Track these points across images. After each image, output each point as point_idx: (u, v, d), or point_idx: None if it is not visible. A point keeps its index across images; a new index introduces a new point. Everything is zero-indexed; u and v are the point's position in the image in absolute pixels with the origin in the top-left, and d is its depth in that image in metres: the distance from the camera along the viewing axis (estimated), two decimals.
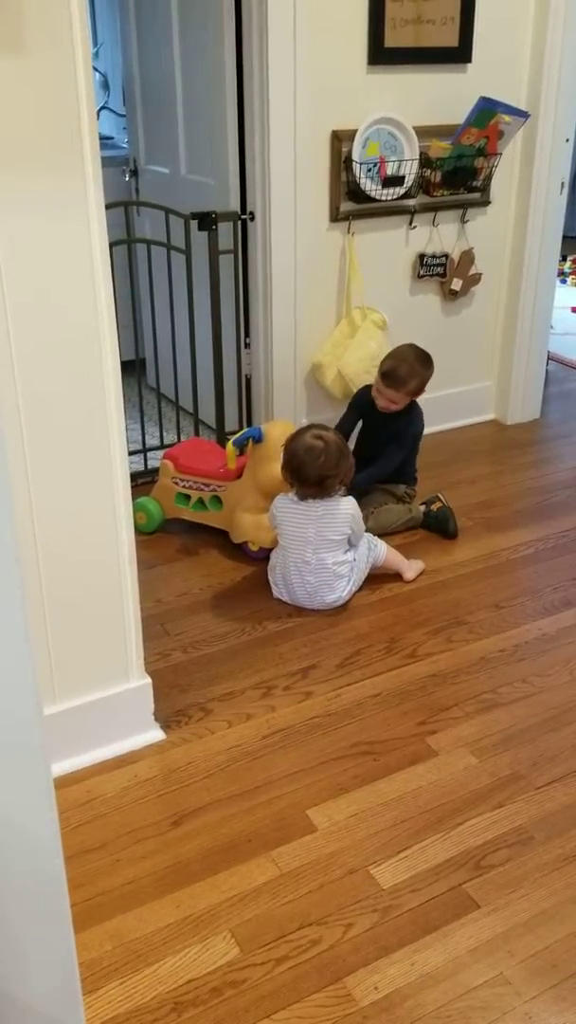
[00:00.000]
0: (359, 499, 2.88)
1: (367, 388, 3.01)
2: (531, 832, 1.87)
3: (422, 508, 3.01)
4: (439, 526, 2.97)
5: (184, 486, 2.93)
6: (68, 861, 1.80)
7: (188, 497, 2.94)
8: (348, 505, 2.56)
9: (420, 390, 2.91)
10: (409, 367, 2.86)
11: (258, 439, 2.70)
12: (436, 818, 1.90)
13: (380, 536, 2.77)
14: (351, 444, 2.90)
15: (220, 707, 2.22)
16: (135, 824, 1.89)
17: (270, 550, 2.74)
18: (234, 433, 3.18)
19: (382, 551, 2.69)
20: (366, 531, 2.75)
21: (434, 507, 3.01)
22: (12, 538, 0.85)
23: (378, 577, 2.72)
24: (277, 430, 2.69)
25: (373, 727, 2.16)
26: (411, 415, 2.98)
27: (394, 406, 2.90)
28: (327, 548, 2.55)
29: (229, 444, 2.77)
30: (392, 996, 1.55)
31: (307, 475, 2.49)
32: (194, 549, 2.91)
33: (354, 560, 2.60)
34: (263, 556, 2.78)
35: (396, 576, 2.73)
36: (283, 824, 1.89)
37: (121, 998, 1.56)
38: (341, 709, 2.21)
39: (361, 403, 3.04)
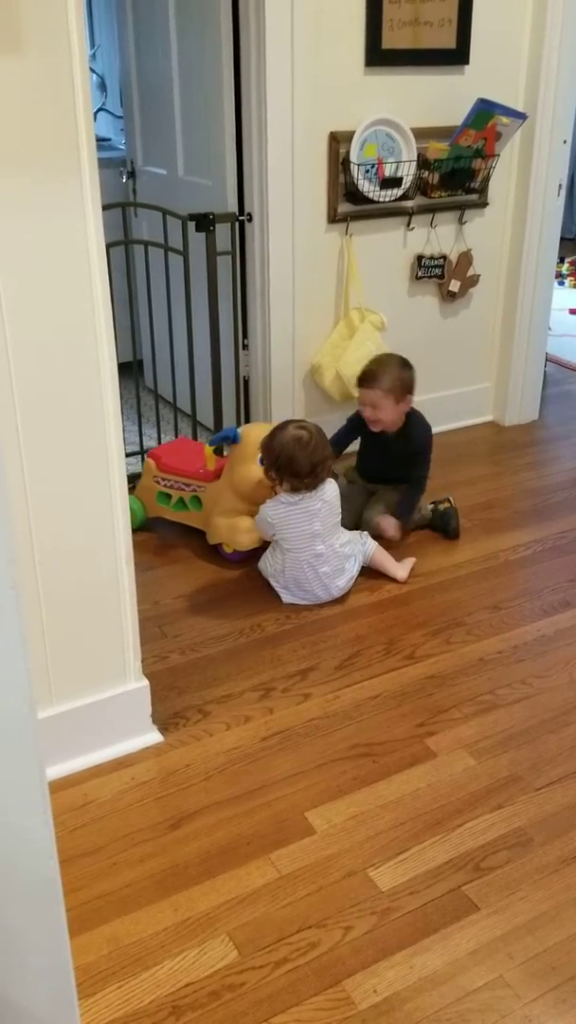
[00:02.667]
0: (367, 500, 2.89)
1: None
2: (530, 834, 1.86)
3: (430, 506, 3.01)
4: (442, 525, 2.97)
5: (165, 485, 2.94)
6: (65, 865, 1.80)
7: (169, 496, 2.95)
8: (334, 487, 2.60)
9: (401, 390, 2.78)
10: (379, 364, 2.80)
11: (234, 440, 2.70)
12: (435, 820, 1.90)
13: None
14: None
15: (218, 709, 2.21)
16: (133, 827, 1.88)
17: (245, 553, 2.75)
18: None
19: (371, 545, 2.72)
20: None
21: (442, 506, 3.01)
22: (8, 539, 0.85)
23: (376, 578, 2.72)
24: (255, 432, 2.69)
25: (372, 729, 2.15)
26: (413, 430, 2.88)
27: (381, 416, 2.80)
28: (335, 534, 2.60)
29: (206, 445, 2.78)
30: (391, 999, 1.55)
31: (300, 467, 2.48)
32: (192, 551, 2.90)
33: (349, 540, 2.65)
34: (238, 559, 2.79)
35: (394, 578, 2.72)
36: (282, 826, 1.88)
37: (119, 1002, 1.55)
38: (340, 711, 2.21)
39: (357, 423, 2.94)
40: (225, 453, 2.82)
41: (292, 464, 2.49)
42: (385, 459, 2.93)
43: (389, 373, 2.78)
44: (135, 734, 2.09)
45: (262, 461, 2.61)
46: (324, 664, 2.38)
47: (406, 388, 2.80)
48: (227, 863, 1.80)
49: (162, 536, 2.99)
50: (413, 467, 2.91)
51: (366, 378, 2.81)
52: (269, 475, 2.56)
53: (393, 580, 2.72)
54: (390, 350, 3.28)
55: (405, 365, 2.83)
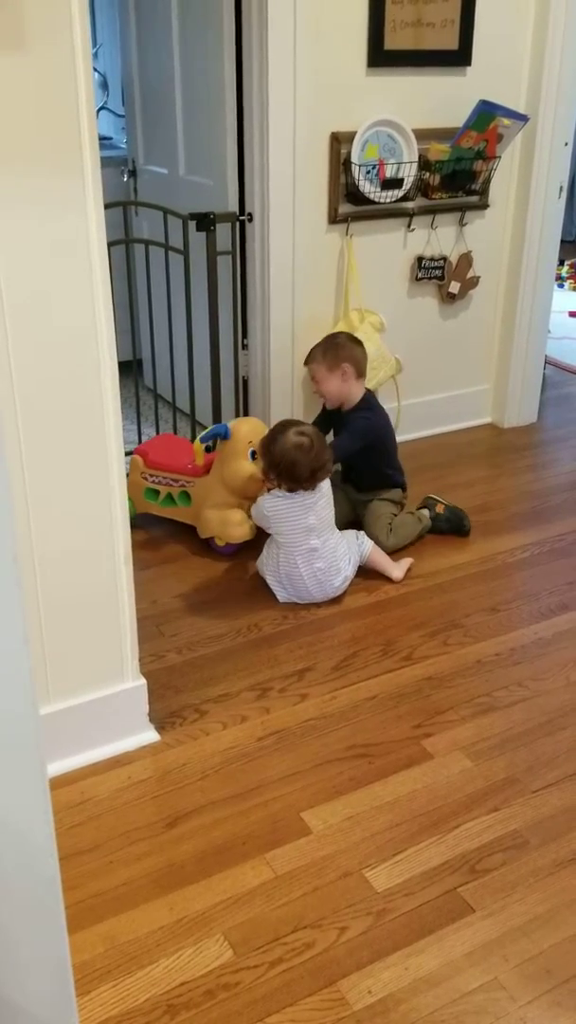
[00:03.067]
0: (363, 514, 2.89)
1: None
2: (526, 836, 1.86)
3: (425, 511, 3.00)
4: (452, 527, 2.97)
5: (153, 481, 2.95)
6: (61, 862, 1.79)
7: (157, 492, 2.95)
8: (327, 481, 2.61)
9: (335, 359, 2.82)
10: (320, 341, 2.90)
11: (225, 436, 2.71)
12: (431, 821, 1.90)
13: (399, 549, 2.82)
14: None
15: (215, 709, 2.21)
16: (129, 826, 1.88)
17: (237, 545, 2.75)
18: None
19: (368, 546, 2.72)
20: (388, 548, 2.79)
21: (437, 508, 3.00)
22: (11, 537, 0.85)
23: (373, 579, 2.72)
24: (245, 427, 2.72)
25: (369, 730, 2.15)
26: (361, 409, 2.91)
27: (323, 388, 2.88)
28: (330, 530, 2.60)
29: (196, 441, 2.79)
30: (386, 1000, 1.55)
31: (301, 472, 2.50)
32: (185, 548, 2.90)
33: (343, 538, 2.66)
34: (230, 551, 2.81)
35: (390, 578, 2.72)
36: (278, 827, 1.88)
37: (114, 1000, 1.55)
38: (336, 711, 2.21)
39: (324, 408, 3.03)
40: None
41: (293, 469, 2.50)
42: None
43: (322, 344, 2.89)
44: (132, 732, 2.09)
45: (253, 455, 2.65)
46: (321, 664, 2.38)
47: (341, 357, 2.84)
48: (223, 863, 1.80)
49: (152, 533, 2.99)
50: (346, 434, 2.89)
51: (307, 359, 2.94)
52: (268, 476, 2.57)
53: (390, 581, 2.72)
54: (389, 351, 3.29)
55: (348, 338, 2.91)
